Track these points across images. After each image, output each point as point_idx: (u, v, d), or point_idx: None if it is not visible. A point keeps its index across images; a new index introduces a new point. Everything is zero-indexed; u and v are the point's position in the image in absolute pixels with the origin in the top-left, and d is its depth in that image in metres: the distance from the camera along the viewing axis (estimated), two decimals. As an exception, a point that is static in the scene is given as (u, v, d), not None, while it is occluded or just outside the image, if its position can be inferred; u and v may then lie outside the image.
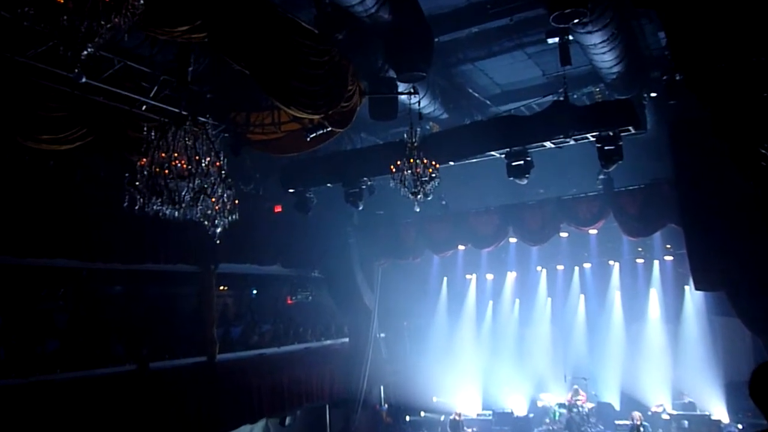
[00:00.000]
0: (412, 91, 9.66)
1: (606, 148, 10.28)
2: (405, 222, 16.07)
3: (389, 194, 10.57)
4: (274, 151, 10.98)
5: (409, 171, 8.79)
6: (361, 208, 13.02)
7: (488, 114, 12.88)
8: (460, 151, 11.42)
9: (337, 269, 16.71)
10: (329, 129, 9.56)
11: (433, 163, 8.92)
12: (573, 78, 11.05)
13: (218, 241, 7.08)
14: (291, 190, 13.36)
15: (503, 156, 11.24)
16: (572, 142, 10.79)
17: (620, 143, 10.26)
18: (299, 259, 15.96)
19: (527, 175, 11.08)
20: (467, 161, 11.90)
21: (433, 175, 8.87)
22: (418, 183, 8.81)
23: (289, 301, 17.57)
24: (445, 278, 19.27)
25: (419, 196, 8.91)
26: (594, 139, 10.46)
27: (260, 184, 12.79)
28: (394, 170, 8.88)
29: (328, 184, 13.23)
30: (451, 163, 11.51)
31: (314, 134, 9.84)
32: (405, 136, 9.06)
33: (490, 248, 16.06)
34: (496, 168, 11.70)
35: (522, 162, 10.98)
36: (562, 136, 10.59)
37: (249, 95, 9.88)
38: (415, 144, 8.90)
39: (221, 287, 15.63)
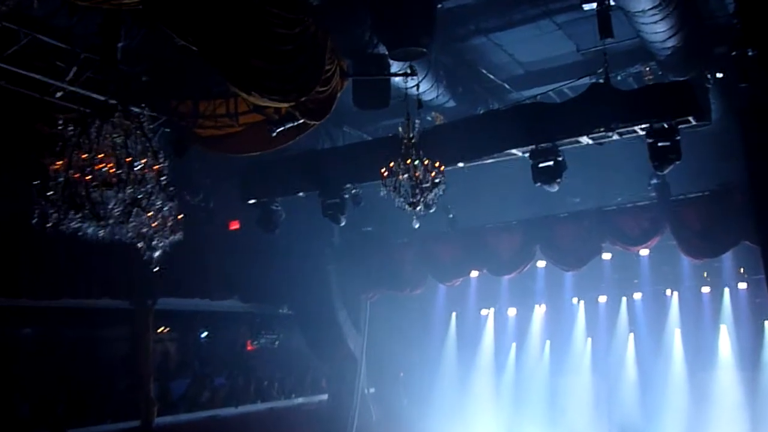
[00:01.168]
0: (408, 71, 9.69)
1: (659, 144, 10.35)
2: (401, 242, 16.08)
3: (380, 206, 10.56)
4: (230, 151, 10.97)
5: (406, 175, 8.80)
6: (343, 224, 13.02)
7: (507, 101, 12.98)
8: (471, 148, 11.48)
9: (312, 304, 16.61)
10: (301, 121, 9.54)
11: (437, 164, 8.93)
12: (616, 54, 11.14)
13: (156, 269, 7.03)
14: (252, 202, 13.34)
15: (527, 155, 11.30)
16: (616, 137, 10.88)
17: (677, 138, 10.34)
18: (262, 291, 15.89)
19: (558, 180, 11.13)
20: (481, 162, 11.95)
21: (437, 180, 8.88)
22: (417, 190, 8.82)
23: (250, 347, 17.45)
24: (454, 314, 19.26)
25: (419, 208, 8.91)
26: (644, 132, 10.54)
27: (211, 194, 12.76)
28: (386, 174, 8.88)
29: (301, 194, 13.24)
30: (460, 164, 11.56)
31: (282, 128, 9.83)
32: (400, 129, 9.08)
33: (511, 275, 16.05)
34: (519, 171, 11.74)
35: (551, 163, 11.03)
36: (602, 129, 10.67)
37: (197, 78, 9.87)
38: (414, 140, 8.91)
39: (160, 329, 15.51)
